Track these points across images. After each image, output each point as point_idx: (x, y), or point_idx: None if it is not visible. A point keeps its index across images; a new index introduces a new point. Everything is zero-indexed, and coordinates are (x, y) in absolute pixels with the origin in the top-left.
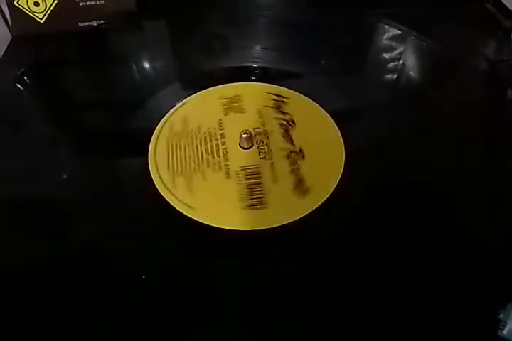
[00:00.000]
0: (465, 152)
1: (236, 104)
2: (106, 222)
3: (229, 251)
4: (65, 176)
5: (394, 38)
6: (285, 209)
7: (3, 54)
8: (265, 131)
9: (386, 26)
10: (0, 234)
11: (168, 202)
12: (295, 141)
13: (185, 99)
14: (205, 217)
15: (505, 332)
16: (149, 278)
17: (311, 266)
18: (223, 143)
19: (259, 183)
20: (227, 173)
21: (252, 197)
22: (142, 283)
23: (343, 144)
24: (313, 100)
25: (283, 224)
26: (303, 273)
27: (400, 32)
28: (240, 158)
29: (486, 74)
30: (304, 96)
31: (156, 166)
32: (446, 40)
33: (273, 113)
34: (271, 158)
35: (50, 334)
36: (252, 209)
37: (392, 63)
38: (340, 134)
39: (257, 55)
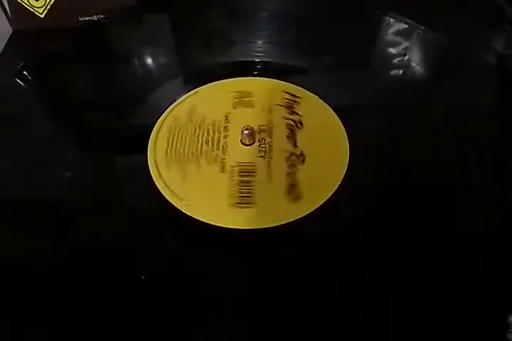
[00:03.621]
0: (474, 149)
1: (246, 99)
2: (104, 217)
3: (207, 245)
4: (66, 173)
5: (400, 32)
6: (273, 212)
7: (3, 49)
8: (270, 129)
9: (392, 20)
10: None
11: (160, 192)
12: (298, 144)
13: (194, 90)
14: (191, 208)
15: None
16: (140, 274)
17: (291, 272)
18: (225, 137)
19: (250, 182)
20: (222, 167)
21: (241, 195)
22: (134, 280)
23: (348, 151)
24: (317, 95)
25: (266, 227)
26: (281, 277)
27: (406, 26)
28: (239, 153)
29: (495, 69)
30: (317, 97)
31: (155, 157)
32: (453, 34)
33: (283, 112)
34: (270, 158)
35: (49, 333)
36: (238, 207)
37: (399, 58)
38: (348, 143)
39: (260, 50)
